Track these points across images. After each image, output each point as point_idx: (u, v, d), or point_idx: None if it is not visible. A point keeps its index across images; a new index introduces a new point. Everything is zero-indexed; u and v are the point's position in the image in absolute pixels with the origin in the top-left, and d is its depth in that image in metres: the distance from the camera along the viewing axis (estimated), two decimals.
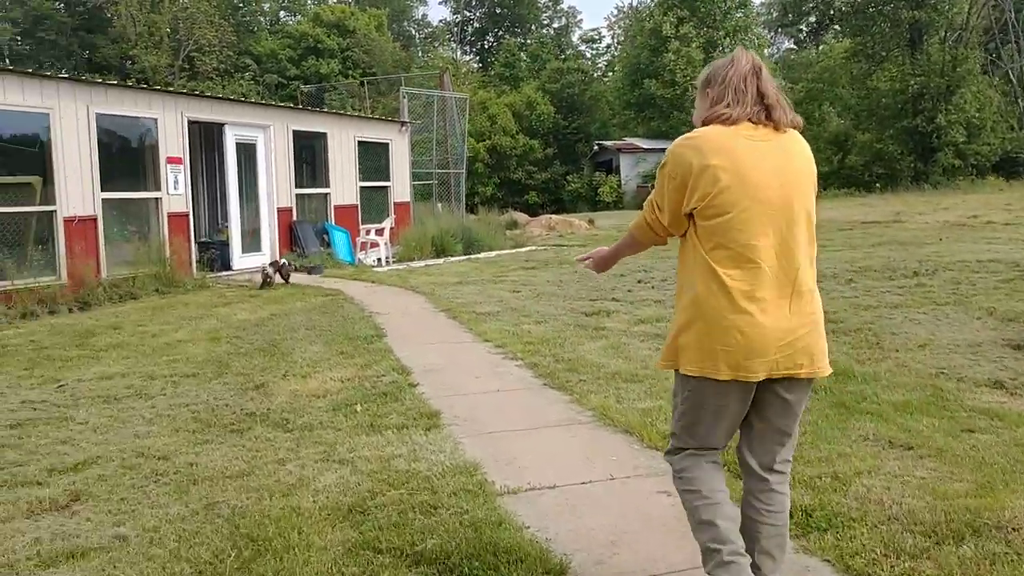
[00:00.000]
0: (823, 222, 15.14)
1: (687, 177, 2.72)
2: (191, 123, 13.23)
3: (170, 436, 5.16)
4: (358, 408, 5.55)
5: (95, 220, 11.26)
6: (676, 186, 2.75)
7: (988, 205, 25.09)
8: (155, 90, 12.25)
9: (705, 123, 2.81)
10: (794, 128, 2.83)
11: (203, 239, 15.05)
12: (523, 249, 18.08)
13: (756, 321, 2.64)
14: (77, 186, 10.99)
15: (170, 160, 12.47)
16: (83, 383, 6.66)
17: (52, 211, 10.74)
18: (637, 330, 8.11)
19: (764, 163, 2.72)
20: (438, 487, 4.09)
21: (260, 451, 4.80)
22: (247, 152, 14.46)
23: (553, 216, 25.27)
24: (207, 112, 13.40)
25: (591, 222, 24.43)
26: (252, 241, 14.73)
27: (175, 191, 12.57)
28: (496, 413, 5.48)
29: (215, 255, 13.82)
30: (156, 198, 12.35)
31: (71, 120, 10.89)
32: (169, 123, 12.48)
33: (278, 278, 11.95)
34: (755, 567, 2.79)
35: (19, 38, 48.92)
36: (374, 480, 4.24)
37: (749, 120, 2.76)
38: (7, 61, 45.45)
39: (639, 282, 11.55)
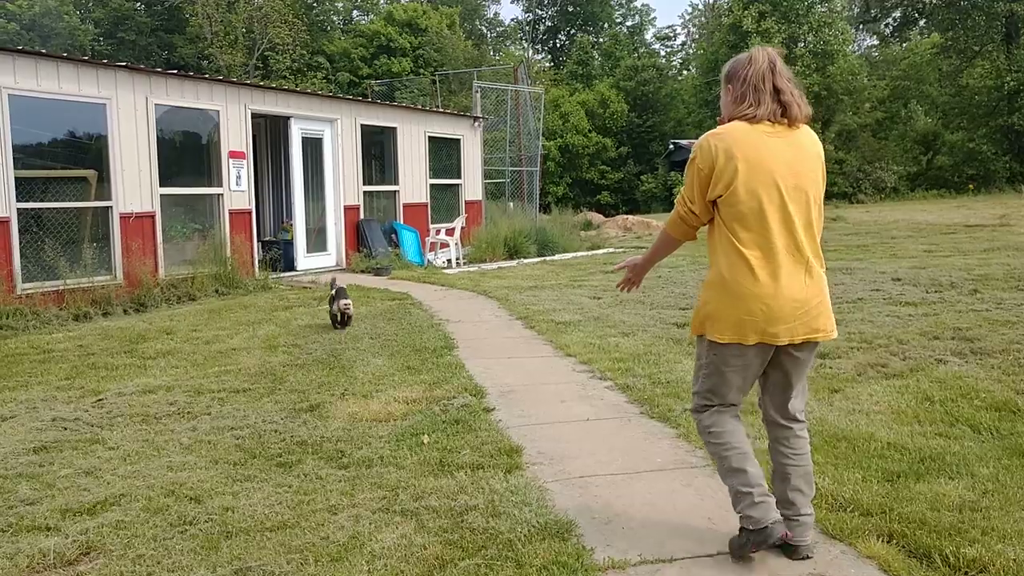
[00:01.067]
0: (922, 224, 13.95)
1: (713, 168, 3.12)
2: (255, 116, 12.64)
3: (207, 469, 4.41)
4: (425, 439, 4.73)
5: (153, 217, 10.71)
6: (704, 176, 3.15)
7: None
8: (217, 80, 11.68)
9: (730, 119, 3.21)
10: (806, 122, 3.22)
11: (266, 238, 14.50)
12: (600, 251, 17.15)
13: (776, 293, 3.11)
14: (135, 181, 10.45)
15: (232, 154, 11.89)
16: (123, 397, 5.99)
17: (108, 207, 10.20)
18: None
19: (780, 157, 3.14)
20: (524, 557, 3.24)
21: (309, 494, 4.01)
22: (313, 147, 13.83)
23: (629, 216, 24.26)
24: (271, 104, 12.78)
25: None
26: (317, 240, 14.10)
27: (237, 187, 11.98)
28: (588, 451, 4.60)
29: (278, 255, 13.22)
30: (218, 194, 11.78)
31: (129, 111, 10.35)
32: (232, 115, 11.89)
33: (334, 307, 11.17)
34: (789, 503, 3.30)
35: (101, 39, 49.68)
36: (444, 542, 3.41)
37: (768, 119, 3.16)
38: None
39: None
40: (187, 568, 3.29)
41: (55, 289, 9.49)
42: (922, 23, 49.57)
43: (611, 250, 17.45)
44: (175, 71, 11.55)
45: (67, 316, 9.32)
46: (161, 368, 6.97)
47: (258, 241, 13.14)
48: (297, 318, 9.27)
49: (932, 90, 45.70)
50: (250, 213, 12.31)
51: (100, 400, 5.92)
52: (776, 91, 3.16)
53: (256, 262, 12.46)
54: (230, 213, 11.86)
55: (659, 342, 7.41)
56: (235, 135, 11.96)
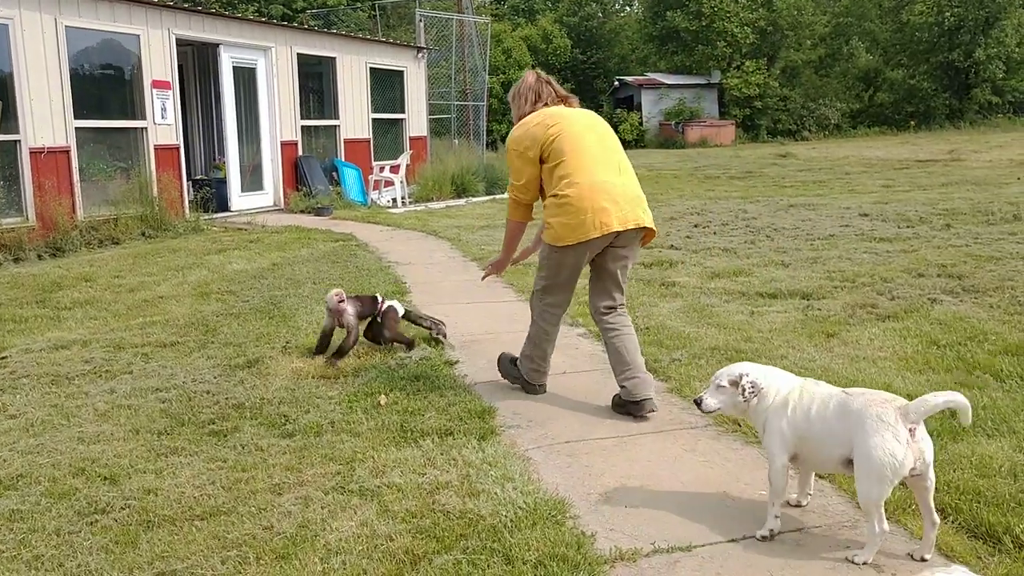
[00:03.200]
0: (872, 160, 13.58)
1: (537, 146, 4.11)
2: (181, 43, 11.59)
3: (126, 440, 3.75)
4: (382, 400, 4.12)
5: (68, 152, 9.72)
6: (531, 158, 4.13)
7: None
8: (137, 2, 10.55)
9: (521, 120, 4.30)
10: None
11: (197, 176, 13.51)
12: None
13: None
14: (45, 112, 9.43)
15: (156, 84, 10.88)
16: (31, 354, 5.25)
17: (16, 141, 9.18)
18: (715, 286, 6.64)
19: (580, 119, 4.22)
20: (513, 548, 2.66)
21: (247, 470, 3.38)
22: (246, 78, 12.83)
23: None
24: (199, 30, 11.72)
25: None
26: (253, 178, 13.18)
27: (163, 120, 11.00)
28: (570, 410, 4.04)
29: (211, 194, 12.27)
30: (141, 128, 10.78)
31: (35, 32, 9.28)
32: (154, 41, 10.85)
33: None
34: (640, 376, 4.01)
35: None
36: (414, 531, 2.82)
37: (554, 103, 4.29)
38: None
39: (695, 227, 10.05)
40: (95, 572, 2.65)
41: None
42: None
43: None
44: None
45: None
46: (77, 320, 6.20)
47: (188, 180, 12.19)
48: (232, 262, 8.50)
49: (874, 27, 45.47)
50: (178, 149, 11.36)
51: (3, 358, 5.17)
52: (555, 91, 4.35)
53: (186, 202, 11.55)
54: (155, 149, 10.89)
55: (631, 284, 6.83)
56: (158, 63, 10.93)
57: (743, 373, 2.87)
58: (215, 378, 4.63)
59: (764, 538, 2.75)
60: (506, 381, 4.42)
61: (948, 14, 38.94)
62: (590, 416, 3.94)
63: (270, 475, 3.32)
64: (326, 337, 5.00)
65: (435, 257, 8.68)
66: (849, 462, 2.64)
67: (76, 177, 9.80)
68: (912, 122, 38.74)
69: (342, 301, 4.93)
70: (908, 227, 9.22)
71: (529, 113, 4.24)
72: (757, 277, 6.93)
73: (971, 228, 8.97)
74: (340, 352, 4.83)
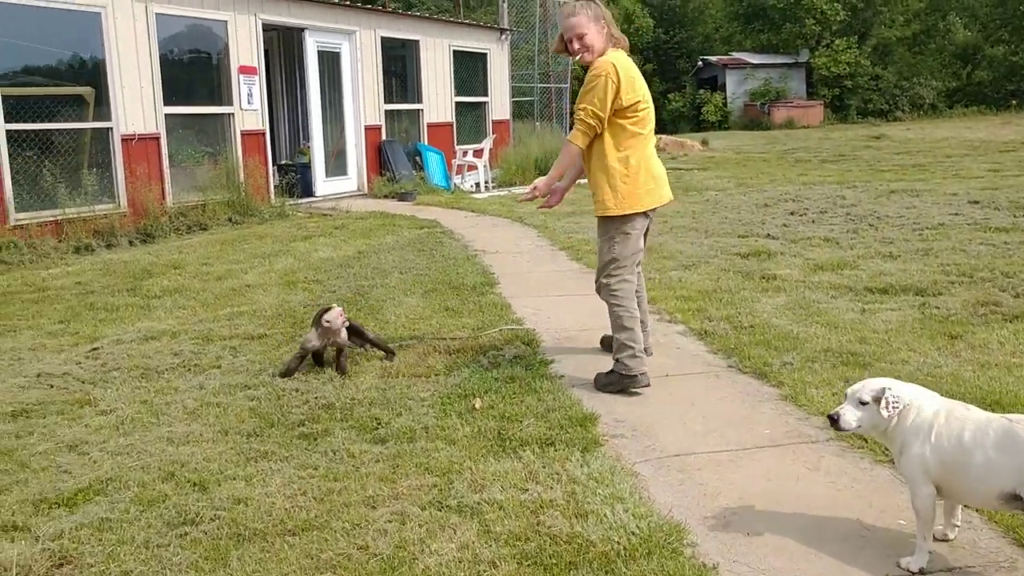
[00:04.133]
0: (975, 141, 12.79)
1: (633, 92, 4.12)
2: (267, 28, 11.60)
3: (215, 443, 3.64)
4: (477, 404, 3.92)
5: (158, 139, 9.80)
6: (621, 97, 4.08)
7: None
8: None
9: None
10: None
11: (283, 162, 13.56)
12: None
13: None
14: (136, 99, 9.51)
15: (243, 70, 10.89)
16: (122, 345, 5.22)
17: (108, 128, 9.29)
18: (819, 280, 6.26)
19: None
20: None
21: (339, 479, 3.22)
22: (331, 62, 12.80)
23: (663, 137, 23.05)
24: (284, 14, 11.70)
25: (705, 143, 22.23)
26: (337, 163, 13.17)
27: (249, 106, 11.01)
28: (676, 418, 3.78)
29: (295, 179, 12.30)
30: (228, 114, 10.82)
31: (127, 21, 9.35)
32: (241, 27, 10.86)
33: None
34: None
35: None
36: (519, 556, 2.61)
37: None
38: None
39: (791, 214, 9.61)
40: None
41: (53, 219, 8.68)
42: None
43: None
44: None
45: (66, 248, 8.54)
46: (166, 309, 6.18)
47: (274, 165, 12.24)
48: (317, 249, 8.44)
49: (973, 1, 43.44)
50: (264, 134, 11.37)
51: (95, 349, 5.14)
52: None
53: (272, 187, 11.58)
54: (242, 135, 10.93)
55: (727, 276, 6.54)
56: (245, 49, 10.94)
57: (886, 387, 2.58)
58: (303, 375, 4.50)
59: (913, 575, 2.47)
60: (607, 393, 4.10)
61: None
62: (699, 425, 3.68)
63: (363, 485, 3.15)
64: (315, 357, 4.67)
65: (522, 245, 8.47)
66: (1012, 498, 2.33)
67: (165, 163, 9.88)
68: (1014, 101, 36.89)
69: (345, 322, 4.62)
70: None
71: (608, 48, 4.17)
72: (864, 270, 6.52)
73: None
74: (343, 370, 4.53)
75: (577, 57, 4.23)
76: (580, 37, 4.13)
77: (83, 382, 4.54)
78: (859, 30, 39.10)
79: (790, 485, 3.08)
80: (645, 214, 4.26)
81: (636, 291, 4.34)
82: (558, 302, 6.01)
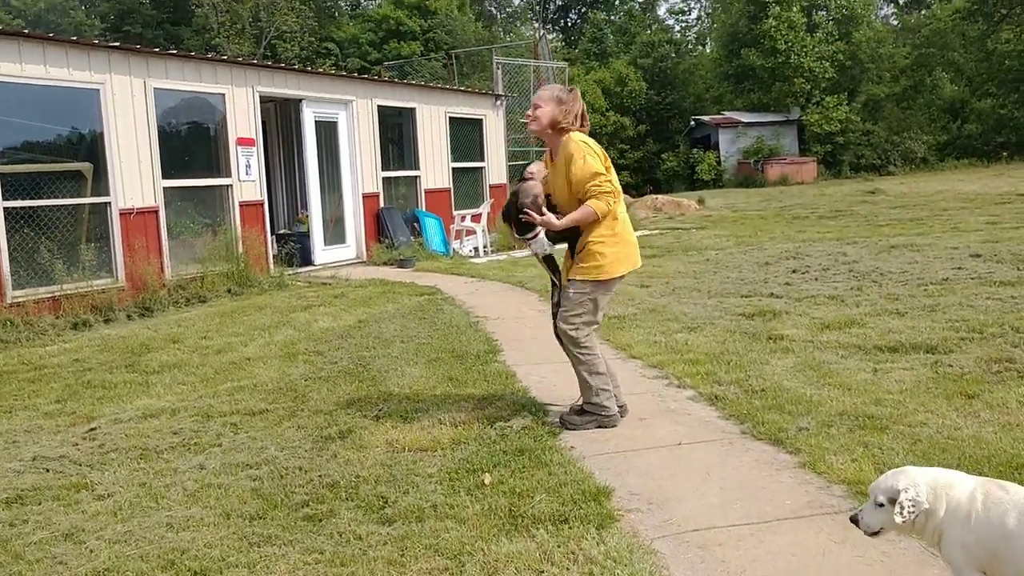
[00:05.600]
0: (969, 194, 12.83)
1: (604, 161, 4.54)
2: (264, 100, 11.70)
3: (217, 527, 3.51)
4: (487, 479, 3.81)
5: (156, 212, 9.80)
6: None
7: None
8: (221, 61, 10.70)
9: (558, 126, 4.56)
10: None
11: (281, 231, 13.58)
12: (635, 234, 16.12)
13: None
14: (134, 173, 9.53)
15: (241, 142, 10.95)
16: (120, 424, 5.10)
17: (106, 203, 9.29)
18: (827, 340, 6.17)
19: None
20: None
21: (347, 564, 3.10)
22: (327, 132, 12.89)
23: (660, 197, 23.21)
24: (281, 86, 11.82)
25: (701, 202, 22.32)
26: (335, 231, 13.18)
27: (247, 177, 11.04)
28: (693, 489, 3.66)
29: (294, 248, 12.29)
30: (226, 185, 10.84)
31: (125, 96, 9.42)
32: (239, 99, 10.94)
33: None
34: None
35: (107, 33, 48.88)
36: None
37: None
38: None
39: (794, 272, 9.56)
40: None
41: (50, 295, 8.61)
42: None
43: (646, 232, 16.43)
44: (175, 51, 10.61)
45: (64, 325, 8.45)
46: (165, 385, 6.07)
47: (272, 234, 12.24)
48: (318, 319, 8.36)
49: (957, 57, 44.18)
50: (262, 204, 11.39)
51: (92, 430, 5.03)
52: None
53: (271, 257, 11.56)
54: (240, 205, 10.94)
55: (733, 338, 6.45)
56: (243, 121, 11.02)
57: (901, 489, 2.43)
58: (307, 451, 4.39)
59: None
60: (583, 430, 4.49)
61: None
62: (716, 497, 3.56)
63: (371, 570, 3.03)
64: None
65: (524, 311, 8.40)
66: None
67: (164, 236, 9.86)
68: (1005, 153, 37.25)
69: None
70: None
71: (574, 128, 4.56)
72: (872, 328, 6.44)
73: None
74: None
75: (524, 120, 4.82)
76: (535, 107, 4.57)
77: (80, 465, 4.42)
78: (848, 87, 39.71)
79: (816, 561, 2.96)
80: (621, 277, 4.59)
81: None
82: (563, 369, 5.88)
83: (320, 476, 4.01)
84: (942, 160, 38.53)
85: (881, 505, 2.44)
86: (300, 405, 5.30)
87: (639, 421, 4.63)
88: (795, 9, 38.49)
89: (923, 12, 51.56)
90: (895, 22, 54.37)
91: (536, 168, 4.76)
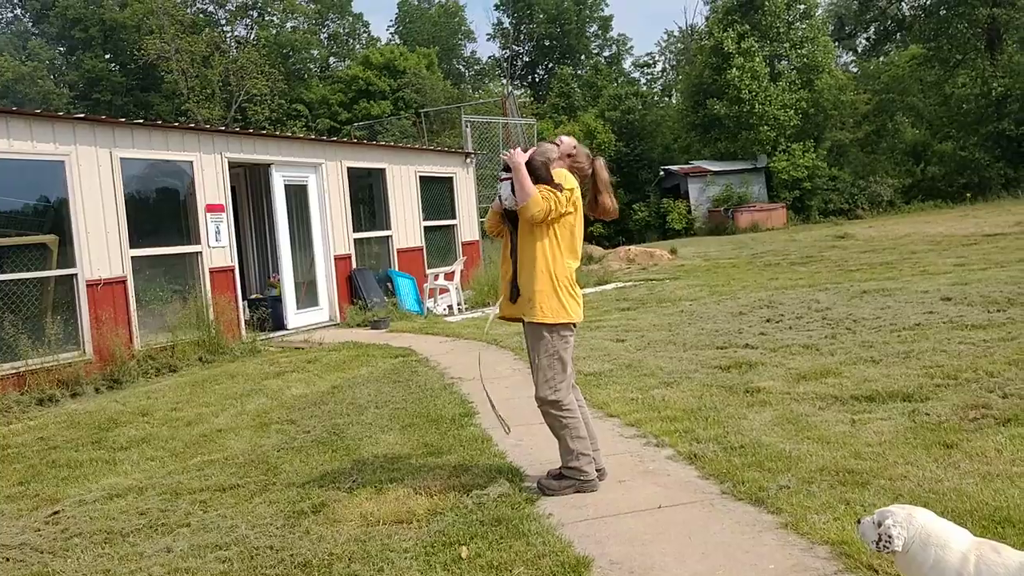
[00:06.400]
0: (936, 236, 12.93)
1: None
2: (233, 165, 11.68)
3: None
4: (464, 552, 3.70)
5: (124, 282, 9.68)
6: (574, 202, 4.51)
7: None
8: (189, 128, 10.70)
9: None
10: None
11: (253, 296, 13.47)
12: (609, 286, 16.16)
13: None
14: (101, 244, 9.43)
15: (210, 208, 10.90)
16: (85, 507, 4.95)
17: (73, 274, 9.16)
18: (804, 391, 6.15)
19: None
20: None
21: None
22: (298, 195, 12.87)
23: (632, 247, 23.34)
24: (250, 152, 11.82)
25: (673, 251, 22.44)
26: (308, 295, 13.08)
27: (217, 243, 10.97)
28: (675, 556, 3.58)
29: (267, 313, 12.18)
30: (196, 252, 10.75)
31: (91, 167, 9.36)
32: (207, 165, 10.92)
33: None
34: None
35: (76, 101, 48.98)
36: None
37: None
38: None
39: (768, 321, 9.57)
40: None
41: (15, 371, 8.44)
42: (897, 36, 49.30)
43: (620, 284, 16.48)
44: (141, 121, 10.59)
45: (29, 401, 8.26)
46: (133, 462, 5.92)
47: (244, 300, 12.14)
48: (290, 386, 8.23)
49: (917, 101, 45.22)
50: (233, 270, 11.30)
51: (56, 513, 4.87)
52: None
53: (243, 323, 11.43)
54: (211, 272, 10.84)
55: (710, 392, 6.41)
56: (212, 187, 10.98)
57: (888, 521, 2.42)
58: (278, 529, 4.26)
59: None
60: (562, 495, 4.40)
61: (995, 84, 38.57)
62: (699, 563, 3.48)
63: None
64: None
65: (500, 370, 8.32)
66: None
67: (133, 306, 9.73)
68: (968, 194, 37.93)
69: None
70: (999, 311, 8.64)
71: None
72: (848, 377, 6.43)
73: None
74: None
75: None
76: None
77: (42, 552, 4.27)
78: (813, 134, 40.39)
79: None
80: (574, 324, 4.55)
81: (576, 404, 4.60)
82: (540, 431, 5.79)
83: (292, 556, 3.88)
84: (908, 202, 39.17)
85: (878, 525, 2.45)
86: (272, 478, 5.18)
87: (618, 484, 4.55)
88: (758, 59, 39.27)
89: (881, 59, 52.91)
90: (854, 69, 55.70)
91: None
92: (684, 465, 4.76)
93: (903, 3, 47.01)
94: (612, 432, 5.61)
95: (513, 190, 4.48)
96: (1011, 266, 12.69)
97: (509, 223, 4.64)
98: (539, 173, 4.46)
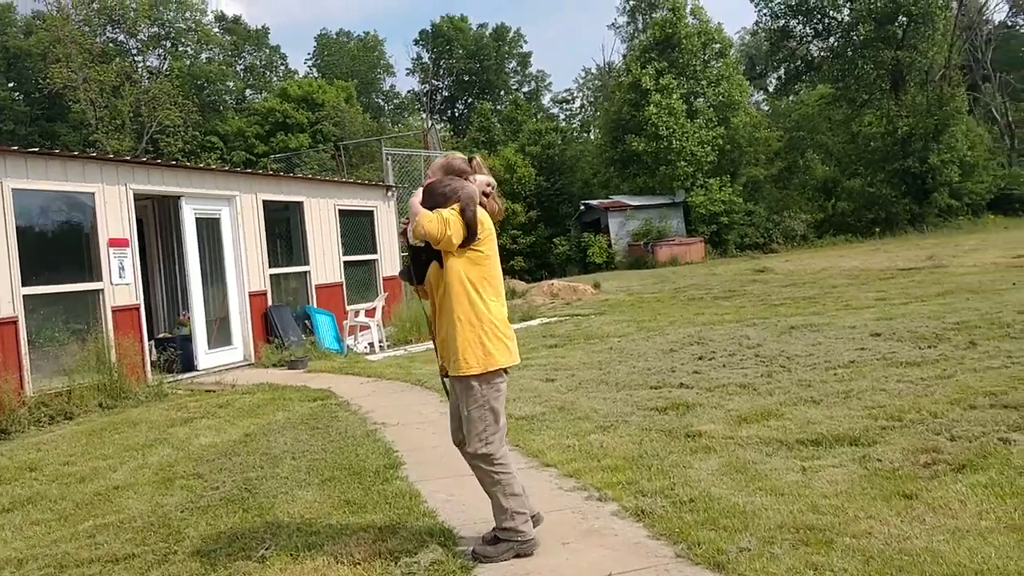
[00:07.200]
0: (853, 270, 13.02)
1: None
2: (140, 197, 11.01)
3: None
4: None
5: (15, 323, 8.92)
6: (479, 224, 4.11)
7: (1020, 243, 23.32)
8: (91, 158, 10.01)
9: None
10: None
11: (161, 335, 12.71)
12: (534, 322, 15.84)
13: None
14: None
15: (113, 243, 10.20)
16: None
17: None
18: (748, 435, 5.87)
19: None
20: None
21: None
22: (210, 228, 12.22)
23: (556, 282, 23.12)
24: (158, 183, 11.16)
25: (597, 286, 22.31)
26: (220, 333, 12.40)
27: (121, 280, 10.27)
28: None
29: (175, 354, 11.46)
30: (97, 290, 10.03)
31: None
32: (110, 198, 10.23)
33: None
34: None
35: None
36: None
37: None
38: None
39: (700, 359, 9.35)
40: None
41: None
42: (805, 78, 50.88)
43: (545, 320, 16.18)
44: (36, 149, 9.87)
45: None
46: (15, 527, 5.28)
47: (151, 340, 11.41)
48: (199, 434, 7.62)
49: (826, 139, 46.63)
50: (138, 308, 10.59)
51: None
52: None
53: (148, 365, 10.70)
54: (113, 311, 10.12)
55: (650, 437, 6.08)
56: (115, 221, 10.29)
57: None
58: None
59: None
60: (500, 562, 4.01)
61: (900, 123, 39.99)
62: None
63: None
64: None
65: (425, 413, 7.86)
66: None
67: (24, 349, 8.98)
68: (876, 228, 39.09)
69: None
70: (929, 347, 8.59)
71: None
72: (790, 419, 6.18)
73: (997, 345, 8.36)
74: None
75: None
76: (428, 178, 4.36)
77: None
78: (729, 169, 41.18)
79: None
80: (505, 371, 4.20)
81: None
82: (472, 484, 5.35)
83: None
84: (820, 237, 40.13)
85: None
86: (173, 546, 4.62)
87: (562, 546, 4.15)
88: (675, 96, 39.92)
89: (791, 98, 54.53)
90: (766, 108, 57.27)
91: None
92: (631, 523, 4.39)
93: (812, 45, 48.54)
94: (550, 484, 5.22)
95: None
96: (930, 300, 12.82)
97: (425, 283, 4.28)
98: (438, 201, 4.11)
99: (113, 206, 10.26)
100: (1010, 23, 58.41)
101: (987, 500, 4.13)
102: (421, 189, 4.22)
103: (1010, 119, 48.63)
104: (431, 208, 4.06)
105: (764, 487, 4.67)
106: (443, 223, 3.95)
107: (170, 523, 5.05)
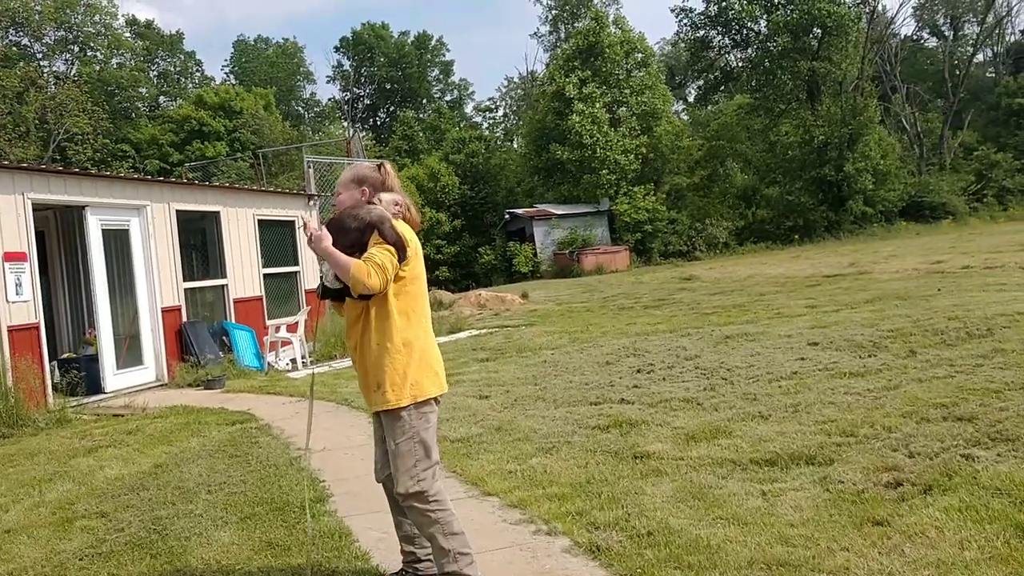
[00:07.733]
0: (778, 277, 12.94)
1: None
2: (40, 207, 10.24)
3: None
4: None
5: None
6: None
7: (935, 249, 23.86)
8: None
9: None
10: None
11: (64, 355, 11.88)
12: (463, 334, 15.40)
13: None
14: None
15: (8, 257, 9.42)
16: None
17: None
18: (698, 455, 5.56)
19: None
20: None
21: None
22: (118, 240, 11.47)
23: (483, 292, 22.72)
24: (60, 192, 10.38)
25: (525, 296, 21.99)
26: (130, 352, 11.63)
27: (18, 297, 9.49)
28: None
29: (80, 376, 10.68)
30: None
31: None
32: (5, 208, 9.45)
33: None
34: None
35: None
36: None
37: None
38: None
39: (638, 372, 9.06)
40: None
41: None
42: (723, 88, 51.76)
43: (474, 332, 15.76)
44: None
45: None
46: None
47: (52, 361, 10.61)
48: (104, 466, 6.98)
49: (745, 148, 47.45)
50: (37, 328, 9.81)
51: None
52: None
53: (49, 389, 9.92)
54: (9, 331, 9.34)
55: (595, 459, 5.73)
56: (11, 233, 9.51)
57: None
58: None
59: None
60: None
61: (816, 132, 40.85)
62: None
63: None
64: None
65: (353, 437, 7.36)
66: None
67: None
68: (795, 236, 39.81)
69: None
70: (869, 356, 8.46)
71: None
72: (741, 437, 5.90)
73: (936, 353, 8.26)
74: None
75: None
76: (336, 194, 3.97)
77: None
78: (652, 178, 41.50)
79: None
80: (436, 399, 3.85)
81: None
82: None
83: None
84: (741, 244, 40.71)
85: None
86: None
87: None
88: (598, 105, 40.04)
89: (710, 108, 55.41)
90: (686, 117, 58.09)
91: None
92: (587, 560, 4.00)
93: (731, 55, 49.36)
94: (493, 516, 4.80)
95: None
96: (860, 307, 12.82)
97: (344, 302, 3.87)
98: (352, 237, 3.70)
99: (9, 217, 9.48)
100: (915, 37, 60.63)
101: (965, 527, 3.87)
102: (324, 229, 3.73)
103: (919, 129, 50.23)
104: (347, 247, 3.65)
105: (725, 515, 4.34)
106: (381, 271, 3.58)
107: (67, 572, 4.47)
